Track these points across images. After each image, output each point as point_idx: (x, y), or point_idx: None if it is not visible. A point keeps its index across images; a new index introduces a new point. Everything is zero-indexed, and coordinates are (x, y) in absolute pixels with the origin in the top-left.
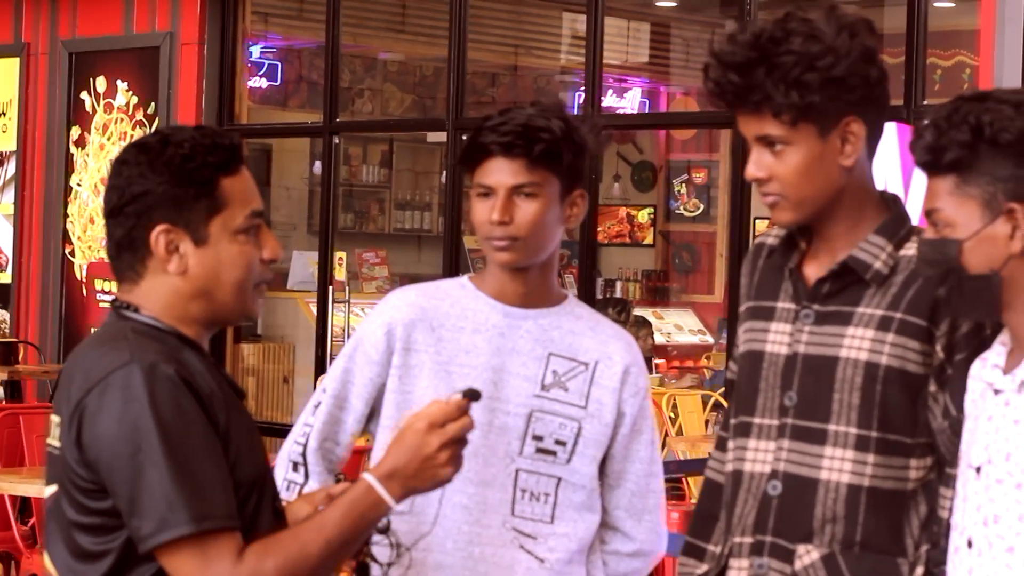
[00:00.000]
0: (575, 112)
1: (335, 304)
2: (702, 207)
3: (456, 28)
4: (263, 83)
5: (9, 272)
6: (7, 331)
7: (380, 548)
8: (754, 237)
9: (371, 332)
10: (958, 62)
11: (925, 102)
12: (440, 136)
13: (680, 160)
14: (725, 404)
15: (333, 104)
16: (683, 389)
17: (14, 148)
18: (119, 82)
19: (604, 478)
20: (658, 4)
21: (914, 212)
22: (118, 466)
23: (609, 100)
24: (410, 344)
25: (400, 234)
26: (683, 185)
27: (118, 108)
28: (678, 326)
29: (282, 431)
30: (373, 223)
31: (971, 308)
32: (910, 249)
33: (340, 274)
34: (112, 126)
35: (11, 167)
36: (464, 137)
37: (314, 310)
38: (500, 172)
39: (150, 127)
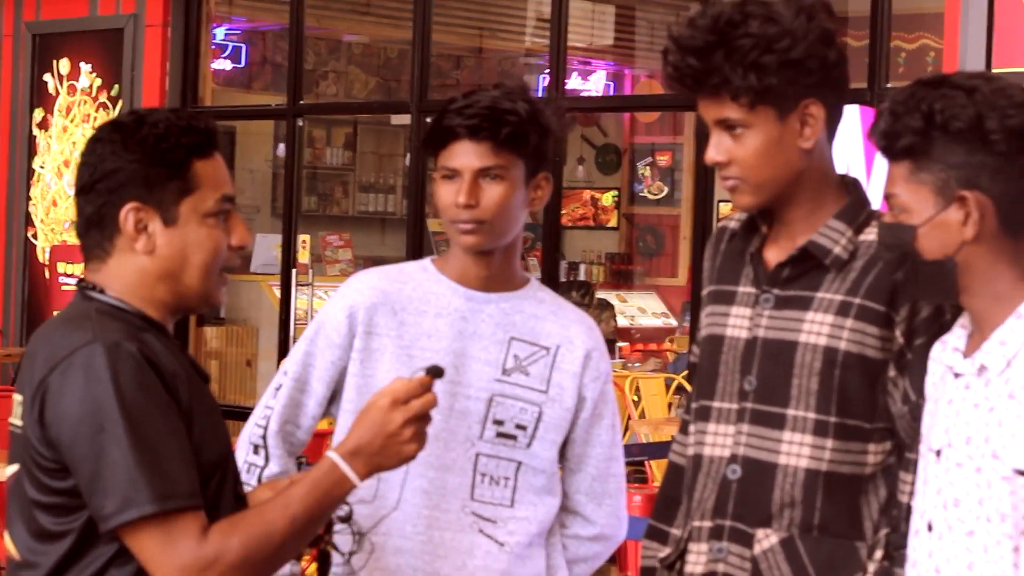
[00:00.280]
0: (540, 95)
1: (299, 287)
2: (666, 190)
3: (420, 10)
4: (227, 65)
5: None
6: None
7: (342, 537)
8: (718, 220)
9: (333, 315)
10: (922, 45)
11: (889, 85)
12: (404, 119)
13: (644, 143)
14: (688, 387)
15: (297, 86)
16: (646, 372)
17: None
18: (83, 64)
19: (565, 462)
20: None
21: (876, 196)
22: (80, 445)
23: (574, 83)
24: (372, 327)
25: (364, 217)
26: (647, 168)
27: (82, 90)
28: (642, 309)
29: (245, 414)
30: (337, 206)
31: (928, 293)
32: (870, 234)
33: (304, 257)
34: (75, 108)
35: None
36: (428, 120)
37: (278, 293)
38: (466, 155)
39: (114, 109)
